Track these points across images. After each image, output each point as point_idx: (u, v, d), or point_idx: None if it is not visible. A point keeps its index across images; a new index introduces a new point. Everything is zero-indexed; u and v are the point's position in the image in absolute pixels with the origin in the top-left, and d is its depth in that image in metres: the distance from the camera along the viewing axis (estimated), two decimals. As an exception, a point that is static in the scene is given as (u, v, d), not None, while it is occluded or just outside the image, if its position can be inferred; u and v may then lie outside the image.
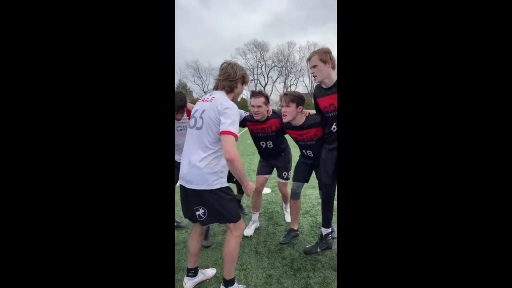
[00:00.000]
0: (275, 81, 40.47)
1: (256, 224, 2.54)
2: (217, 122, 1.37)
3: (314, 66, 1.80)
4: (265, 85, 39.52)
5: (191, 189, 1.42)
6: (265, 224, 2.65)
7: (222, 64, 1.52)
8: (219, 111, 1.37)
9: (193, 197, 1.43)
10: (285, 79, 41.24)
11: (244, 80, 1.52)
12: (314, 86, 2.04)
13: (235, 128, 1.34)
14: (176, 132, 2.23)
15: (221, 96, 1.44)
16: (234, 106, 1.40)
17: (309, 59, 1.85)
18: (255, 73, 39.60)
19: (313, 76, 1.85)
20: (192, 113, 1.52)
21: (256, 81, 39.37)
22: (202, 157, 1.39)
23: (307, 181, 2.28)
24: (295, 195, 2.24)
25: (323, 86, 1.87)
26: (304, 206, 3.03)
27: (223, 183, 1.44)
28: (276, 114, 2.25)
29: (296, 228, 2.33)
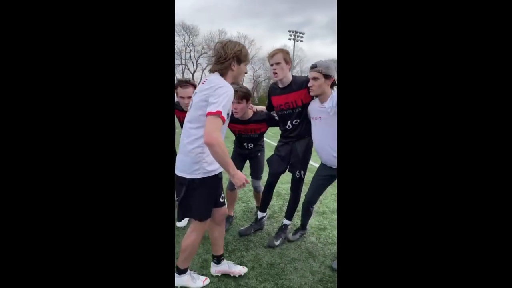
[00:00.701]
0: (205, 68, 39.26)
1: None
2: (202, 104, 1.24)
3: (278, 64, 1.83)
4: (194, 72, 37.91)
5: (176, 175, 1.34)
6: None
7: (215, 45, 1.37)
8: (207, 93, 1.23)
9: (177, 184, 1.36)
10: (215, 67, 40.38)
11: (239, 59, 1.32)
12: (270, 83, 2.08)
13: (221, 108, 1.17)
14: None
15: (214, 77, 1.30)
16: (227, 85, 1.24)
17: (272, 56, 1.86)
18: (183, 57, 37.37)
19: (274, 73, 1.87)
20: None
21: (184, 66, 37.25)
22: (185, 142, 1.31)
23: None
24: (232, 186, 2.34)
25: (280, 85, 1.95)
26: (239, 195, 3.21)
27: (206, 173, 1.30)
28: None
29: (232, 214, 2.47)
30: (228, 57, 1.30)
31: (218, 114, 1.16)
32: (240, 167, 2.34)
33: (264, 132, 2.24)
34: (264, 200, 2.24)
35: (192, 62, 38.18)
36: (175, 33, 37.15)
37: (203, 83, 1.33)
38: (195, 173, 1.29)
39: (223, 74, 1.33)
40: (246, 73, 1.42)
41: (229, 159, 1.20)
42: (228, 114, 1.23)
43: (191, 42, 38.32)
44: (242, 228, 2.29)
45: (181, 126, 2.28)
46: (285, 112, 1.97)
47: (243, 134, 2.18)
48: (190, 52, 38.28)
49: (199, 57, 38.69)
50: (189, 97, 1.96)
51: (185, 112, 2.06)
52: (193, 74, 37.68)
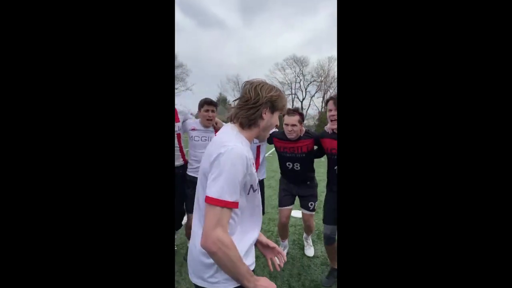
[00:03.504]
0: (313, 95, 40.07)
1: (286, 249, 2.48)
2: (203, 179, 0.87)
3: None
4: (303, 99, 39.31)
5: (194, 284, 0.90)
6: (299, 254, 2.46)
7: (243, 85, 0.98)
8: (211, 156, 0.83)
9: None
10: (324, 94, 40.48)
11: (274, 106, 0.94)
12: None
13: (226, 190, 0.78)
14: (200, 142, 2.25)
15: (227, 132, 0.92)
16: (237, 149, 0.82)
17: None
18: (293, 87, 39.70)
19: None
20: None
21: (293, 95, 39.35)
22: (199, 229, 0.86)
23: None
24: (330, 240, 1.95)
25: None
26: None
27: (228, 284, 0.85)
28: (309, 135, 2.16)
29: (336, 266, 2.08)
30: (260, 102, 0.91)
31: (220, 205, 0.78)
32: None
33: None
34: None
35: (302, 91, 39.85)
36: (287, 66, 40.60)
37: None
38: (211, 280, 0.85)
39: (245, 125, 0.93)
40: (277, 126, 0.99)
41: (241, 265, 0.81)
42: (232, 192, 0.79)
43: (301, 72, 40.48)
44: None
45: (278, 156, 2.28)
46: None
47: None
48: (300, 82, 40.33)
49: (308, 85, 40.04)
50: (294, 125, 2.05)
51: (287, 141, 2.13)
52: (301, 101, 39.08)
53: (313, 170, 2.30)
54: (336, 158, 1.89)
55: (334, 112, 1.80)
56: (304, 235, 2.60)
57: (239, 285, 0.85)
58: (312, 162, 2.26)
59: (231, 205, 0.80)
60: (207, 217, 0.78)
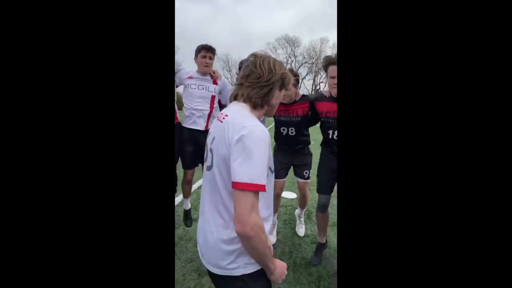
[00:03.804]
0: (304, 77, 39.70)
1: (276, 224, 2.49)
2: (223, 164, 0.81)
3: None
4: (294, 81, 38.96)
5: (210, 272, 0.88)
6: (290, 233, 2.53)
7: (249, 58, 0.90)
8: (230, 139, 0.78)
9: (214, 282, 0.92)
10: (315, 76, 40.17)
11: (283, 84, 0.90)
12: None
13: (257, 173, 0.74)
14: (192, 89, 2.11)
15: (239, 111, 0.85)
16: (259, 128, 0.78)
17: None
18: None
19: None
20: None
21: (284, 77, 38.88)
22: (215, 217, 0.84)
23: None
24: (324, 208, 2.04)
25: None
26: (332, 217, 2.86)
27: (248, 268, 0.83)
28: (306, 98, 2.11)
29: (324, 241, 2.17)
30: (273, 79, 0.85)
31: (251, 189, 0.73)
32: (332, 186, 2.03)
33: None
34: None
35: (293, 73, 39.32)
36: (278, 46, 39.59)
37: (221, 120, 0.85)
38: (231, 267, 0.83)
39: (258, 105, 0.87)
40: (278, 104, 0.96)
41: (267, 247, 0.79)
42: (261, 175, 0.76)
43: (293, 53, 39.74)
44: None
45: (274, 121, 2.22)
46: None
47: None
48: (291, 63, 39.66)
49: (299, 67, 39.48)
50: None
51: (281, 104, 1.99)
52: (293, 84, 38.76)
53: (308, 135, 2.26)
54: (331, 121, 1.87)
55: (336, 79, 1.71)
56: (297, 211, 2.63)
57: (258, 268, 0.84)
58: (307, 127, 2.21)
59: (262, 188, 0.75)
60: (240, 203, 0.74)
